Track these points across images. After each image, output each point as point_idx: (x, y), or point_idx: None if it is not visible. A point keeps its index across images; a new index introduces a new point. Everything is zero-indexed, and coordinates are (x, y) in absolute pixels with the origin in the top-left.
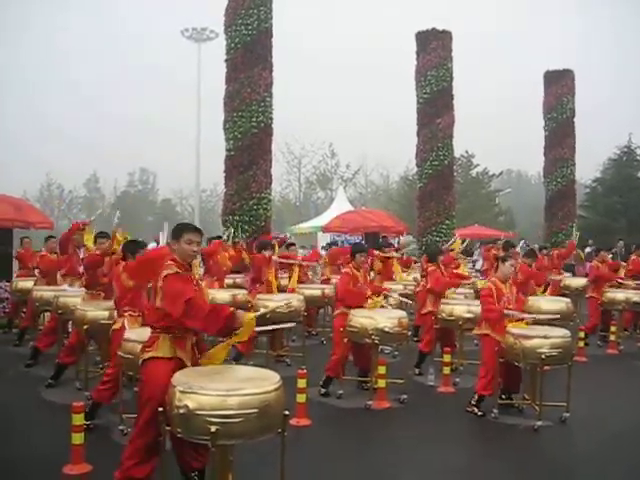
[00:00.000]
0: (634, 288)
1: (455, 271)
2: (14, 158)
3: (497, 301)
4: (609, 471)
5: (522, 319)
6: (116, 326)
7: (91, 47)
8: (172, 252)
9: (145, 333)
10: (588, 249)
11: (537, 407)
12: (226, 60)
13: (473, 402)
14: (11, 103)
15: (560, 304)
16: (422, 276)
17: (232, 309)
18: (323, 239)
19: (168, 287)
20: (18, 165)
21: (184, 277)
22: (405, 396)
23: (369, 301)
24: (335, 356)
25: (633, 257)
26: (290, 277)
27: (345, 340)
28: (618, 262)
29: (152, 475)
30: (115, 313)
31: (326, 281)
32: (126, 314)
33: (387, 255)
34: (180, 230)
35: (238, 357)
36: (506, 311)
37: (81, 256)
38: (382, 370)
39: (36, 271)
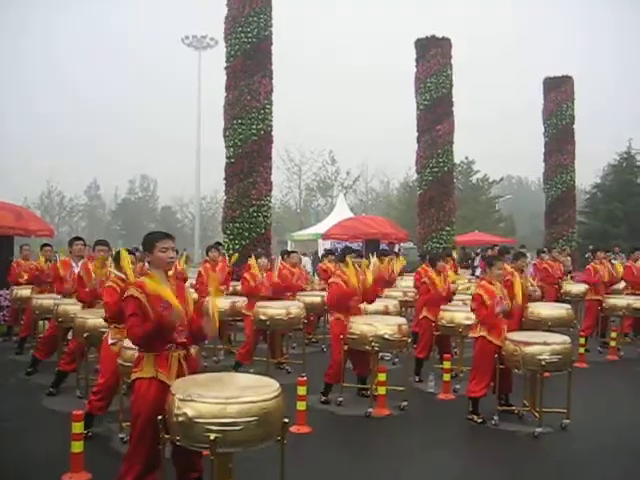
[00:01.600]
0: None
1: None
2: (15, 164)
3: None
4: (609, 477)
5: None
6: (105, 335)
7: (89, 50)
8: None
9: None
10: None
11: (537, 414)
12: (226, 68)
13: (470, 409)
14: (11, 107)
15: (560, 310)
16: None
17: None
18: (323, 246)
19: (125, 310)
20: (19, 171)
21: (137, 302)
22: (405, 403)
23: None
24: (333, 362)
25: (629, 263)
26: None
27: (345, 347)
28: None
29: None
30: None
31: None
32: (111, 326)
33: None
34: (152, 240)
35: (237, 366)
36: (497, 309)
37: (76, 269)
38: (382, 377)
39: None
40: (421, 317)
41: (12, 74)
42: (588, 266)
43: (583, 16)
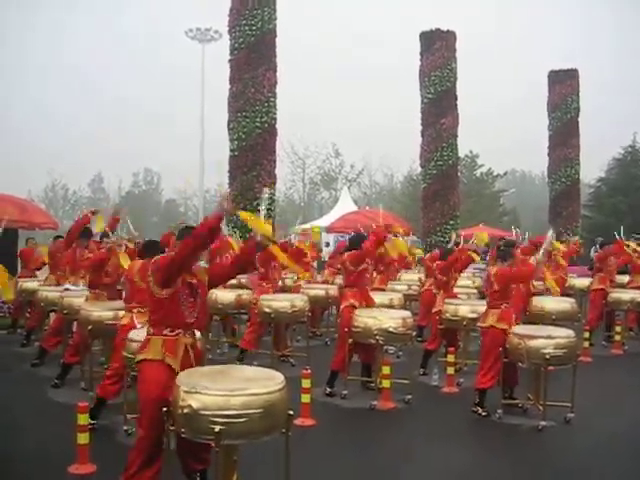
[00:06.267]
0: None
1: None
2: (19, 157)
3: None
4: (613, 471)
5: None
6: (124, 321)
7: (92, 44)
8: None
9: None
10: (593, 249)
11: (541, 407)
12: (230, 60)
13: (476, 401)
14: (15, 101)
15: (564, 304)
16: (426, 276)
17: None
18: (327, 239)
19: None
20: (22, 164)
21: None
22: (409, 396)
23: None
24: (339, 349)
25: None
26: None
27: (350, 340)
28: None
29: (157, 478)
30: (120, 312)
31: (327, 282)
32: (134, 310)
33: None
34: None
35: (242, 354)
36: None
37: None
38: (387, 370)
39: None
40: (435, 310)
41: (17, 68)
42: (595, 254)
43: (587, 7)
